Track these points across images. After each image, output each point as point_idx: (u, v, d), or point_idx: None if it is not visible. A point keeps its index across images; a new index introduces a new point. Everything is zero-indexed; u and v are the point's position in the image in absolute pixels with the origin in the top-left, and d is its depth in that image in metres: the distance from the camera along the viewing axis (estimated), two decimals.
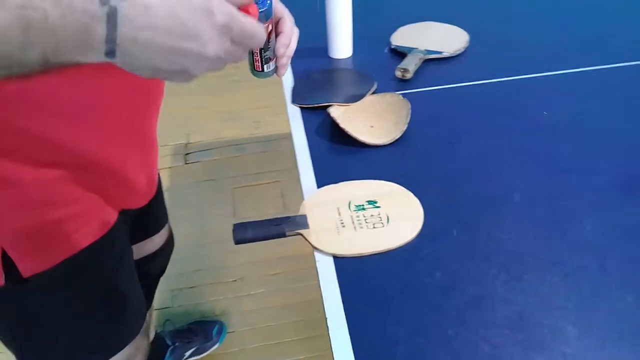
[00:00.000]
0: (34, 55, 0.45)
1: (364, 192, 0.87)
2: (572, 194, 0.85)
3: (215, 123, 2.54)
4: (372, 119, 1.01)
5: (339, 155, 0.96)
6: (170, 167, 2.30)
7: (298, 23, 0.97)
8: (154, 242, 1.18)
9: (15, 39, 0.44)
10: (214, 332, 1.58)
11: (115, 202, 0.86)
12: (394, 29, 1.28)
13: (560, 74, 1.12)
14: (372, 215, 0.82)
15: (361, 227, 0.80)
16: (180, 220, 2.05)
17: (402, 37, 1.24)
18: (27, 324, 0.85)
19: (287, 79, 1.16)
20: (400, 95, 1.04)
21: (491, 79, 1.12)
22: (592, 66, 1.14)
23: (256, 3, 0.61)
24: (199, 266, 1.88)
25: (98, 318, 0.90)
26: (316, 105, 1.05)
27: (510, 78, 1.12)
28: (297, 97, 1.10)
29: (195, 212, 2.08)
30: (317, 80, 1.14)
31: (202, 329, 1.58)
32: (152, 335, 1.38)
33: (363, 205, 0.84)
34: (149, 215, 1.09)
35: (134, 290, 0.97)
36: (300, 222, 0.81)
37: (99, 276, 0.88)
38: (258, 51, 0.73)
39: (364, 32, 1.26)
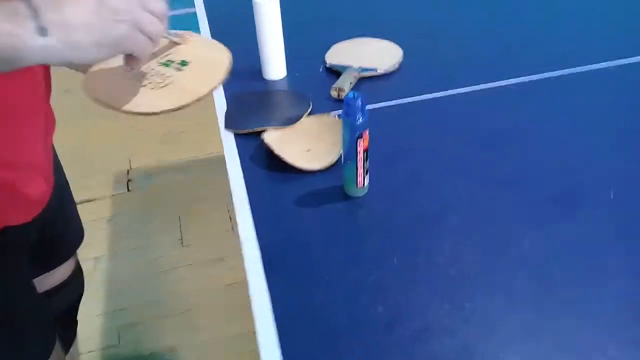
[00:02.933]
0: None
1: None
2: (509, 209, 0.84)
3: (156, 145, 2.46)
4: (308, 142, 0.98)
5: (276, 183, 0.92)
6: (112, 196, 2.21)
7: (232, 44, 0.94)
8: (58, 275, 1.13)
9: None
10: None
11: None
12: (328, 47, 1.25)
13: (493, 87, 1.12)
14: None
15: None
16: (125, 252, 1.97)
17: (336, 54, 1.22)
18: None
19: (220, 102, 1.12)
20: (337, 116, 1.01)
21: (426, 94, 1.11)
22: (520, 77, 1.14)
23: (355, 115, 0.74)
24: (146, 299, 1.80)
25: None
26: (250, 130, 1.02)
27: (445, 93, 1.11)
28: (230, 122, 1.05)
29: (140, 242, 2.00)
30: (250, 103, 1.10)
31: None
32: None
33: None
34: (49, 243, 1.04)
35: (30, 323, 0.91)
36: None
37: None
38: (362, 164, 0.79)
39: (297, 51, 1.23)
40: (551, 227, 0.80)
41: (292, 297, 0.72)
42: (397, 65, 1.18)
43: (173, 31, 0.85)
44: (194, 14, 1.50)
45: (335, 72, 1.17)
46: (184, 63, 0.84)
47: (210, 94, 0.82)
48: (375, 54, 1.21)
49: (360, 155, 0.83)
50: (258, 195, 0.90)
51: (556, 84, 1.12)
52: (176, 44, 0.86)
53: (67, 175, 1.13)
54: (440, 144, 0.98)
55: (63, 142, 2.42)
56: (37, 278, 1.06)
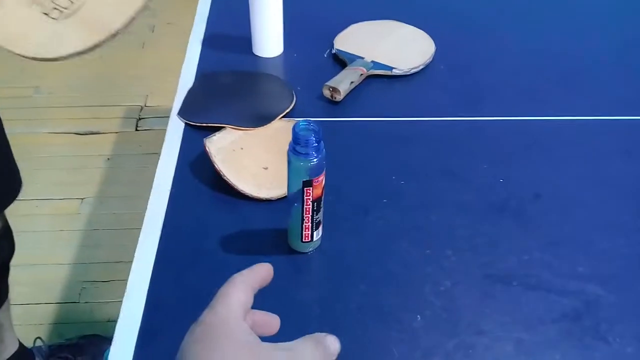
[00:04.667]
0: None
1: None
2: (492, 322, 0.59)
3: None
4: (269, 156, 0.75)
5: (208, 205, 0.70)
6: (117, 132, 2.05)
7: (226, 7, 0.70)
8: None
9: None
10: (106, 355, 1.36)
11: None
12: (344, 26, 0.99)
13: (512, 120, 0.84)
14: None
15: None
16: (112, 198, 1.82)
17: (349, 38, 0.95)
18: None
19: (186, 79, 0.89)
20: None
21: (443, 116, 0.84)
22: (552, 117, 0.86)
23: (307, 155, 0.56)
24: (118, 258, 1.65)
25: None
26: (205, 124, 0.79)
27: (468, 118, 0.84)
28: (187, 107, 0.83)
29: (130, 190, 1.84)
30: (220, 86, 0.87)
31: (93, 346, 1.35)
32: (9, 348, 1.16)
33: None
34: None
35: None
36: None
37: None
38: (309, 215, 0.61)
39: (304, 25, 0.98)
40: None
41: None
42: (421, 66, 0.91)
43: None
44: None
45: (342, 62, 0.92)
46: None
47: (128, 25, 0.62)
48: (399, 46, 0.94)
49: (308, 206, 0.60)
50: (178, 213, 0.69)
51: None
52: None
53: (78, 100, 0.92)
54: (435, 197, 0.72)
55: (86, 65, 2.23)
56: None
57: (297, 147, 0.56)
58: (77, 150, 1.97)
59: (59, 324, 1.48)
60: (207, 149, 0.72)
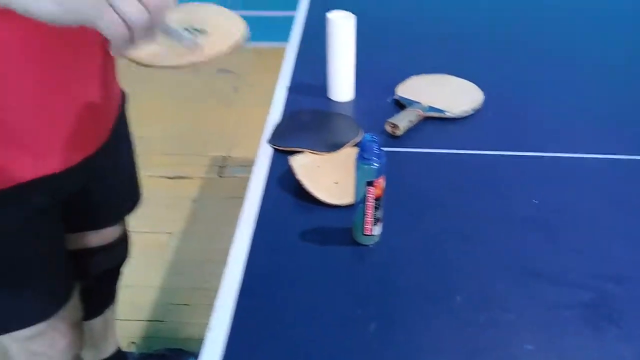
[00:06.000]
0: None
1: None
2: (521, 305, 0.72)
3: (259, 140, 2.52)
4: (340, 175, 0.93)
5: (292, 208, 0.89)
6: (202, 178, 2.30)
7: (310, 59, 0.92)
8: (100, 237, 1.13)
9: None
10: None
11: (22, 159, 0.80)
12: (406, 77, 1.18)
13: (566, 157, 0.99)
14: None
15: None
16: (196, 234, 2.04)
17: (409, 87, 1.14)
18: None
19: (275, 115, 1.10)
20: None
21: (491, 150, 1.00)
22: (604, 155, 0.99)
23: (370, 160, 0.71)
24: (202, 285, 1.84)
25: None
26: (288, 148, 0.98)
27: (514, 154, 0.99)
28: (275, 136, 1.03)
29: (212, 228, 2.06)
30: (301, 120, 1.07)
31: (177, 357, 1.53)
32: (110, 347, 1.35)
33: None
34: (94, 201, 1.04)
35: (44, 269, 0.93)
36: None
37: None
38: (371, 211, 0.75)
39: (372, 75, 1.17)
40: (569, 340, 0.68)
41: (257, 327, 0.69)
42: (470, 112, 1.08)
43: (187, 34, 0.81)
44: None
45: (402, 106, 1.10)
46: (202, 31, 0.91)
47: (219, 57, 0.89)
48: (452, 95, 1.12)
49: (370, 203, 0.76)
50: (269, 216, 0.87)
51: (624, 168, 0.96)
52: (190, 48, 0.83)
53: (170, 149, 1.14)
54: (481, 209, 0.88)
55: (180, 119, 2.55)
56: (77, 234, 1.07)
57: (363, 153, 0.73)
58: (167, 191, 2.23)
59: (147, 337, 1.67)
60: (291, 165, 0.91)
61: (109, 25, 0.59)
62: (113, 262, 1.21)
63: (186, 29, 0.87)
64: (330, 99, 1.14)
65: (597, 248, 0.81)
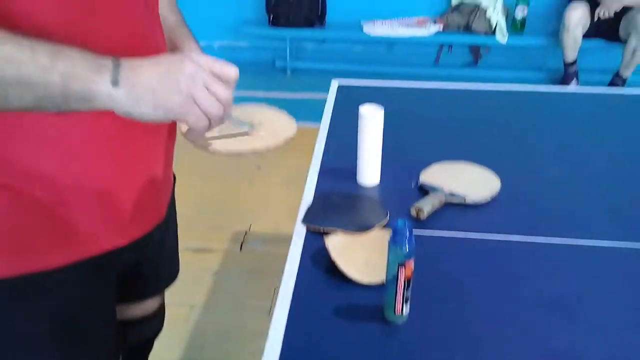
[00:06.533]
0: (56, 79, 0.65)
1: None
2: None
3: (279, 217, 2.61)
4: (370, 254, 1.00)
5: (325, 285, 0.95)
6: (224, 250, 2.37)
7: (339, 146, 1.03)
8: (143, 308, 1.19)
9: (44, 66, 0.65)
10: None
11: (95, 233, 0.88)
12: (428, 164, 1.27)
13: (584, 245, 1.05)
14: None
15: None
16: (217, 308, 2.09)
17: (432, 174, 1.23)
18: None
19: (307, 196, 1.18)
20: None
21: (510, 234, 1.07)
22: (621, 242, 1.06)
23: (402, 243, 0.80)
24: (223, 358, 1.87)
25: (46, 351, 0.91)
26: (321, 229, 1.06)
27: (530, 239, 1.06)
28: (308, 217, 1.11)
29: (234, 302, 2.11)
30: (333, 202, 1.15)
31: None
32: None
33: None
34: (143, 273, 1.11)
35: (100, 339, 0.98)
36: None
37: (58, 305, 0.89)
38: (402, 291, 0.83)
39: (397, 162, 1.26)
40: None
41: None
42: (488, 198, 1.16)
43: (245, 121, 1.00)
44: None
45: (425, 192, 1.18)
46: (257, 124, 1.05)
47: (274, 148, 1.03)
48: (471, 182, 1.20)
49: (401, 283, 0.83)
50: (304, 294, 0.93)
51: None
52: (244, 132, 1.02)
53: (194, 223, 1.23)
54: (503, 294, 0.93)
55: (205, 195, 2.66)
56: (121, 305, 1.11)
57: (396, 237, 0.81)
58: (190, 264, 2.29)
59: None
60: (327, 246, 0.98)
61: (195, 120, 0.73)
62: (150, 332, 1.27)
63: (242, 122, 0.98)
64: (358, 184, 1.23)
65: (616, 332, 0.85)
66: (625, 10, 3.60)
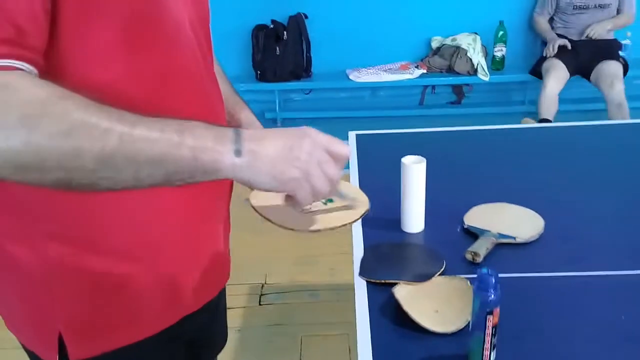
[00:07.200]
0: (186, 153, 0.68)
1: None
2: None
3: (291, 266, 2.60)
4: (437, 303, 1.01)
5: (401, 339, 0.96)
6: (244, 307, 2.35)
7: (375, 194, 1.04)
8: None
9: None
10: None
11: (164, 309, 0.88)
12: (467, 207, 1.30)
13: (635, 274, 1.08)
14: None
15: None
16: None
17: (475, 217, 1.26)
18: None
19: (358, 249, 1.20)
20: (468, 282, 1.04)
21: (566, 271, 1.10)
22: None
23: (488, 291, 0.82)
24: None
25: None
26: (383, 281, 1.07)
27: (586, 273, 1.09)
28: (364, 270, 1.12)
29: (260, 358, 2.08)
30: (386, 253, 1.17)
31: None
32: None
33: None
34: (202, 340, 1.10)
35: None
36: None
37: None
38: (489, 339, 0.85)
39: (437, 208, 1.29)
40: None
41: None
42: (536, 236, 1.19)
43: (345, 194, 0.99)
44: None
45: (471, 234, 1.21)
46: (330, 200, 1.04)
47: (340, 228, 0.99)
48: (515, 222, 1.24)
49: (489, 331, 0.84)
50: (382, 348, 0.94)
51: None
52: (346, 206, 1.02)
53: None
54: (573, 328, 0.96)
55: None
56: None
57: (481, 285, 0.83)
58: None
59: None
60: (396, 296, 1.00)
61: (304, 195, 0.75)
62: None
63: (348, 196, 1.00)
64: (403, 231, 1.25)
65: None
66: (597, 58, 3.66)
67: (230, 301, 2.41)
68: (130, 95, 0.73)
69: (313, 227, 0.98)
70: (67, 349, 0.81)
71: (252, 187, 0.76)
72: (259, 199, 1.00)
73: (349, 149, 0.79)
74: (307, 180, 0.74)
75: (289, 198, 0.79)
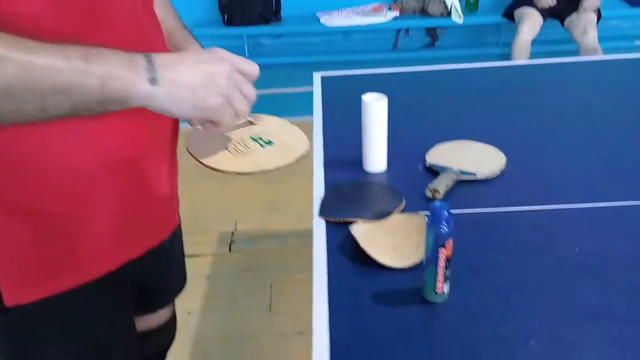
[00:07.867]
0: (94, 81, 0.63)
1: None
2: (593, 345, 0.79)
3: (260, 213, 2.59)
4: (395, 240, 1.00)
5: (358, 276, 0.95)
6: (214, 254, 2.34)
7: (339, 136, 1.02)
8: (156, 318, 1.17)
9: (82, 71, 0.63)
10: None
11: (110, 249, 0.86)
12: (430, 146, 1.28)
13: (597, 207, 1.08)
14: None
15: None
16: (214, 310, 2.06)
17: (437, 155, 1.24)
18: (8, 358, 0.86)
19: (318, 189, 1.18)
20: (426, 218, 1.03)
21: (525, 206, 1.10)
22: (632, 201, 1.10)
23: (440, 224, 0.81)
24: None
25: None
26: (342, 220, 1.06)
27: (545, 207, 1.09)
28: (324, 209, 1.10)
29: (231, 303, 2.09)
30: (346, 193, 1.15)
31: None
32: None
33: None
34: (156, 283, 1.09)
35: (125, 354, 0.97)
36: None
37: (85, 324, 0.87)
38: (442, 271, 0.84)
39: (400, 147, 1.27)
40: None
41: None
42: (497, 172, 1.18)
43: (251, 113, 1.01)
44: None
45: (434, 172, 1.19)
46: (269, 142, 1.06)
47: (274, 170, 1.01)
48: (477, 158, 1.22)
49: (442, 263, 0.84)
50: (338, 285, 0.93)
51: None
52: (251, 123, 1.06)
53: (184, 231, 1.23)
54: (531, 262, 0.96)
55: (181, 198, 2.61)
56: (136, 318, 1.09)
57: (434, 218, 0.81)
58: None
59: None
60: (353, 234, 0.98)
61: (227, 119, 0.75)
62: (166, 342, 1.24)
63: (255, 140, 0.99)
64: (364, 171, 1.23)
65: None
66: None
67: (200, 248, 2.43)
68: (54, 30, 0.68)
69: (246, 169, 0.97)
70: (1, 295, 0.79)
71: (170, 116, 0.73)
72: (194, 144, 1.00)
73: (257, 67, 0.79)
74: (229, 104, 0.73)
75: (210, 123, 0.77)
